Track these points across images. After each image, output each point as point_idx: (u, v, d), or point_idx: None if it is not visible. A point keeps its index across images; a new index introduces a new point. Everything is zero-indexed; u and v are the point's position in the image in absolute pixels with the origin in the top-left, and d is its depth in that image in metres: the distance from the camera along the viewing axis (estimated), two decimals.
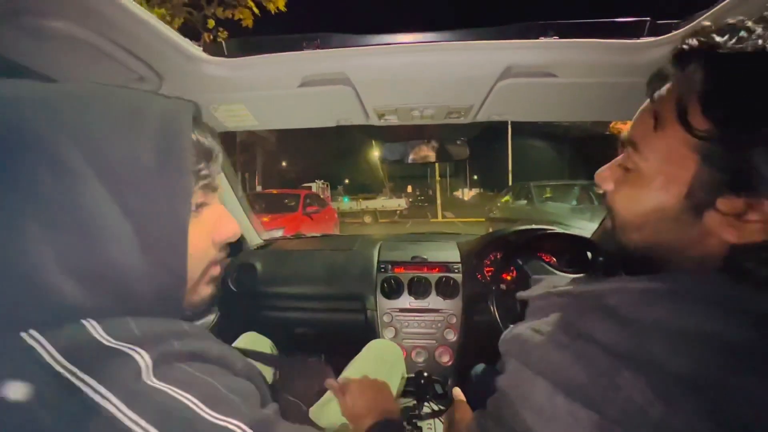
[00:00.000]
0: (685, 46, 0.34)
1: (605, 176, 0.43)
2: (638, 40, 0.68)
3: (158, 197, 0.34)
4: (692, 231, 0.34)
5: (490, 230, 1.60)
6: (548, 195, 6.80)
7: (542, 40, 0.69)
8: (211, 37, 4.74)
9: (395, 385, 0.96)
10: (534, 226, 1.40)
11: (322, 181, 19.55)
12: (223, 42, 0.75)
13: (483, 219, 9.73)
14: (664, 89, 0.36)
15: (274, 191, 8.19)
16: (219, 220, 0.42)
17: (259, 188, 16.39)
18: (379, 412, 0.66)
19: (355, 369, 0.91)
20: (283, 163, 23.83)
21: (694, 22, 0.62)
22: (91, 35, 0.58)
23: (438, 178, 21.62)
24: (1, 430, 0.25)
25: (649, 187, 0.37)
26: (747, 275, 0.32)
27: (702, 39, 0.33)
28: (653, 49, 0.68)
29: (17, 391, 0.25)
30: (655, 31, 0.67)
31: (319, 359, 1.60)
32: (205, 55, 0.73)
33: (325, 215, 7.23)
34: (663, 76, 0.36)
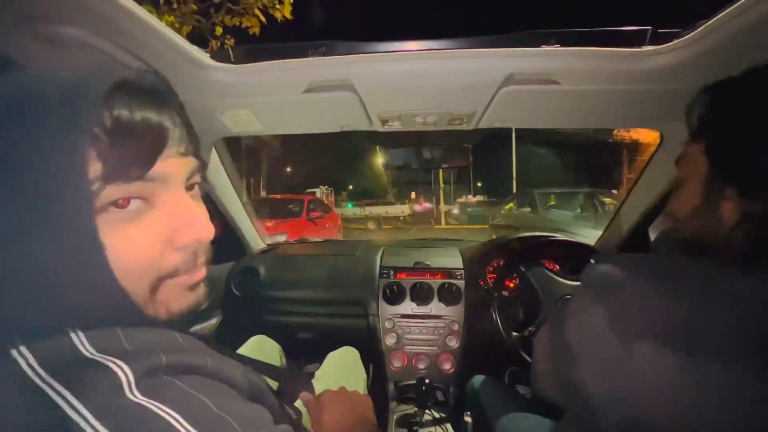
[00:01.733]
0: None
1: None
2: (639, 49, 0.69)
3: (49, 193, 0.27)
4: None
5: (494, 237, 1.59)
6: (552, 202, 6.78)
7: (544, 48, 0.70)
8: (219, 44, 4.80)
9: (362, 387, 0.95)
10: (537, 233, 1.40)
11: (327, 186, 19.61)
12: (230, 49, 0.77)
13: (486, 226, 9.70)
14: None
15: (279, 196, 8.25)
16: (177, 220, 0.34)
17: (263, 193, 16.49)
18: (353, 423, 0.62)
19: (321, 382, 0.88)
20: (288, 169, 23.95)
21: (695, 32, 0.62)
22: (100, 41, 0.60)
23: (442, 184, 21.58)
24: None
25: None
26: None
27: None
28: (654, 57, 0.68)
29: None
30: (657, 39, 0.68)
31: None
32: (212, 62, 0.75)
33: (329, 220, 7.25)
34: None
